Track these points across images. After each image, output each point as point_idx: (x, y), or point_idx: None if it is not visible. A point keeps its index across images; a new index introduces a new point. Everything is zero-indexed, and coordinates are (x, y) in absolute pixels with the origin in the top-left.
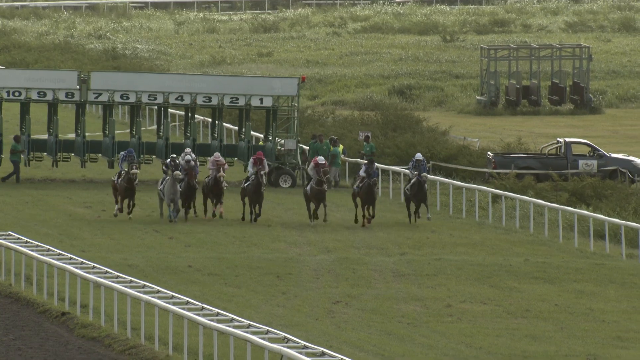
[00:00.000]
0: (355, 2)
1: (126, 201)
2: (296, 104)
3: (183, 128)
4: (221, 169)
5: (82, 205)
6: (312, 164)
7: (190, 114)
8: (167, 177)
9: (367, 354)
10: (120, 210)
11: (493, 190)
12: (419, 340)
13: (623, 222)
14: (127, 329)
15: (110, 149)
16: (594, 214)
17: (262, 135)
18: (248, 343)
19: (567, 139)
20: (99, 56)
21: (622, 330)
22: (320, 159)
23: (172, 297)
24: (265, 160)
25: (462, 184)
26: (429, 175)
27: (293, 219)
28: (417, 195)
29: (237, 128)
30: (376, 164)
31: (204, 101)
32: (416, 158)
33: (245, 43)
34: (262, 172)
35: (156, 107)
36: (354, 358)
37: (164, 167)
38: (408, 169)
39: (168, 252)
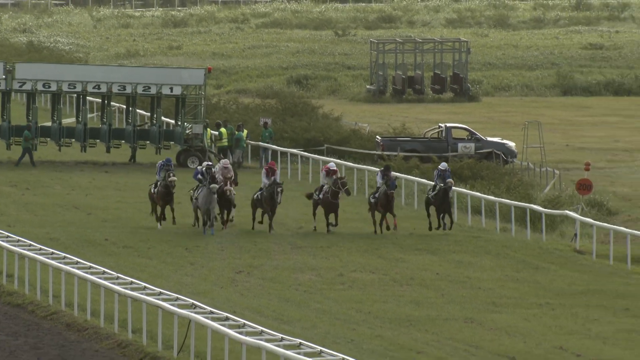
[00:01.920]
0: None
1: (163, 207)
2: (203, 93)
3: (100, 114)
4: (228, 183)
5: (7, 184)
6: (323, 171)
7: (106, 102)
8: (203, 187)
9: (267, 319)
10: (164, 217)
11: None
12: (314, 306)
13: (497, 199)
14: (49, 296)
15: (33, 132)
16: (472, 192)
17: (172, 121)
18: (159, 309)
19: (448, 124)
20: (23, 49)
21: (496, 296)
22: (332, 165)
23: (90, 267)
24: (277, 171)
25: (354, 164)
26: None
27: None
28: (442, 204)
29: (149, 114)
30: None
31: (119, 90)
32: (441, 168)
33: (157, 37)
34: (279, 189)
35: (75, 95)
36: (255, 322)
37: (199, 176)
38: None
39: (87, 227)
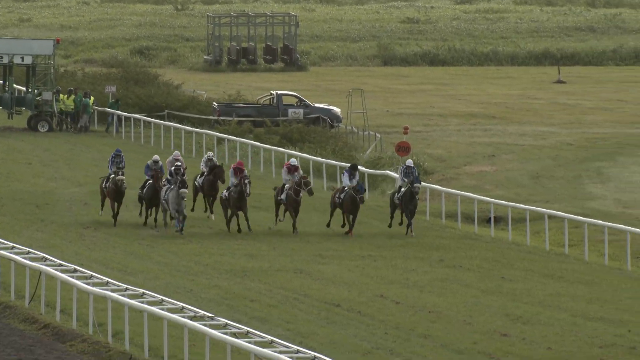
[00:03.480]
0: None
1: (112, 203)
2: (52, 62)
3: None
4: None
5: None
6: (285, 168)
7: None
8: (171, 186)
9: (112, 271)
10: (114, 215)
11: (218, 134)
12: (156, 258)
13: (324, 160)
14: None
15: None
16: (301, 153)
17: (23, 88)
18: (12, 262)
19: (279, 92)
20: None
21: (323, 249)
22: (293, 161)
23: None
24: (245, 171)
25: (192, 129)
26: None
27: (50, 158)
28: (408, 206)
29: (1, 82)
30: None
31: None
32: (407, 164)
33: (8, 10)
34: (246, 181)
35: None
36: (102, 274)
37: (168, 177)
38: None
39: None
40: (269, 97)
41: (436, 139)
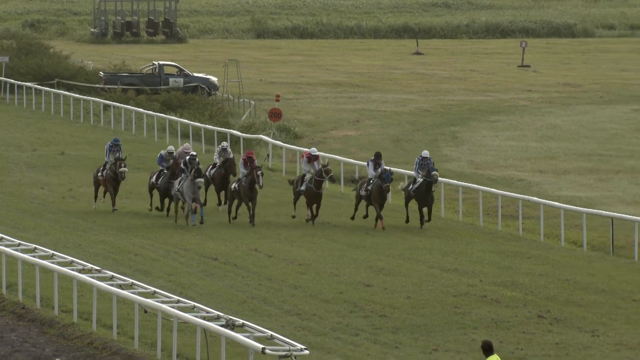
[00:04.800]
0: None
1: (110, 191)
2: None
3: None
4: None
5: None
6: (304, 157)
7: None
8: (185, 176)
9: (6, 227)
10: (95, 200)
11: (104, 101)
12: (47, 216)
13: (202, 125)
14: None
15: None
16: (181, 119)
17: None
18: None
19: (160, 62)
20: None
21: (204, 208)
22: (314, 151)
23: None
24: (256, 161)
25: (80, 96)
26: None
27: None
28: (426, 199)
29: None
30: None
31: None
32: (422, 155)
33: None
34: (259, 172)
35: None
36: None
37: (182, 166)
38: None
39: None
40: (151, 67)
41: (305, 105)
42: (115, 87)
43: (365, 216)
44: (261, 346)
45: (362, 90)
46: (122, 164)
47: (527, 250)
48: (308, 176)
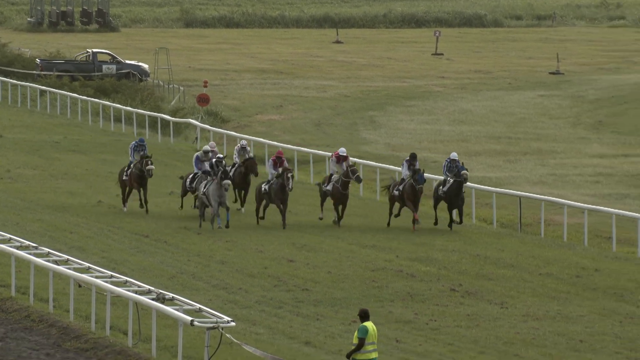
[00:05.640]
0: None
1: (138, 190)
2: None
3: None
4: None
5: None
6: (333, 158)
7: None
8: (212, 180)
9: None
10: (124, 201)
11: (40, 87)
12: None
13: (134, 109)
14: None
15: None
16: (114, 104)
17: None
18: None
19: (94, 50)
20: None
21: None
22: (342, 151)
23: None
24: (286, 162)
25: (17, 82)
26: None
27: None
28: (456, 200)
29: None
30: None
31: None
32: (451, 157)
33: None
34: (289, 174)
35: None
36: None
37: (207, 168)
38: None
39: None
40: (85, 54)
41: (232, 91)
42: (51, 73)
43: (397, 215)
44: (190, 318)
45: (285, 76)
46: (149, 162)
47: (441, 227)
48: (335, 176)
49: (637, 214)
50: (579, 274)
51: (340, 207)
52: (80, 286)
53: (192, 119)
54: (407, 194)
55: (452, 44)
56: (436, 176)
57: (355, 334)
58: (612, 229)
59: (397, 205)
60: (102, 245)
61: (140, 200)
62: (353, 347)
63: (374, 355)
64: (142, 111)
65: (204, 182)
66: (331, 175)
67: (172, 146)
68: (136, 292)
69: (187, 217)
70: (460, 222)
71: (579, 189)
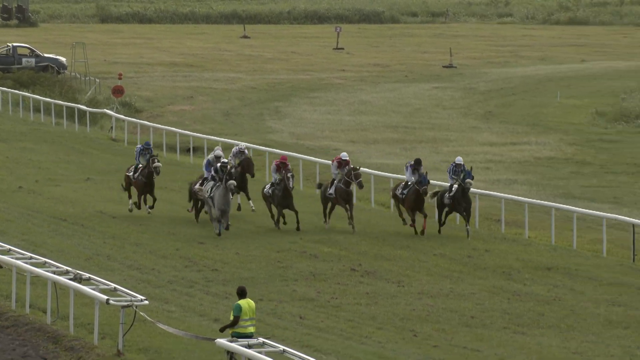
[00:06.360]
0: None
1: (144, 194)
2: None
3: None
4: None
5: None
6: (334, 162)
7: None
8: (217, 184)
9: None
10: (138, 206)
11: None
12: None
13: (53, 100)
14: None
15: None
16: (32, 95)
17: None
18: None
19: (14, 44)
20: None
21: (52, 174)
22: (344, 155)
23: None
24: (289, 166)
25: None
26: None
27: None
28: (462, 204)
29: None
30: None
31: None
32: (456, 162)
33: None
34: (289, 174)
35: None
36: None
37: (212, 173)
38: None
39: None
40: (5, 48)
41: (145, 83)
42: None
43: (404, 223)
44: (106, 297)
45: (195, 69)
46: (156, 159)
47: (342, 211)
48: (337, 180)
49: (524, 198)
50: (470, 254)
51: (348, 207)
52: (1, 267)
53: (107, 109)
54: (409, 200)
55: (352, 39)
56: (438, 182)
57: (232, 311)
58: (502, 212)
59: (402, 208)
60: (22, 228)
61: (142, 201)
62: (228, 323)
63: (252, 329)
64: (60, 102)
65: (210, 185)
66: (333, 180)
67: (88, 135)
68: (54, 273)
69: (103, 201)
70: (467, 222)
71: None
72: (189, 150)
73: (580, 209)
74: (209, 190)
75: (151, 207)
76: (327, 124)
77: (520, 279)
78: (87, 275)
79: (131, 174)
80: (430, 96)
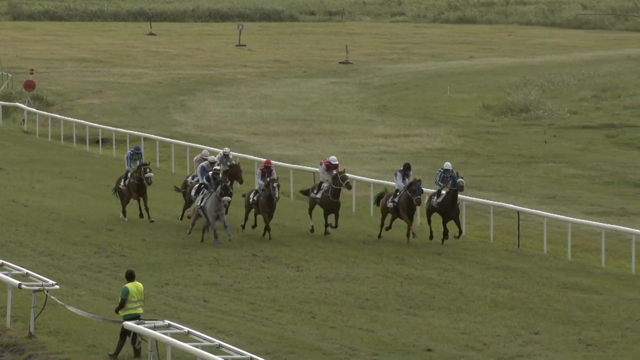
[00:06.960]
0: None
1: (137, 200)
2: None
3: None
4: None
5: None
6: (323, 165)
7: None
8: (209, 193)
9: None
10: (125, 212)
11: None
12: None
13: None
14: None
15: None
16: None
17: None
18: None
19: None
20: None
21: None
22: (333, 159)
23: None
24: (274, 172)
25: None
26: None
27: None
28: (449, 211)
29: None
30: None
31: None
32: (445, 167)
33: None
34: (275, 184)
35: None
36: None
37: (204, 181)
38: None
39: None
40: None
41: (55, 78)
42: None
43: (388, 228)
44: (18, 282)
45: (104, 65)
46: (147, 169)
47: (241, 199)
48: (325, 185)
49: None
50: (365, 240)
51: (332, 216)
52: None
53: (19, 103)
54: (403, 206)
55: (253, 37)
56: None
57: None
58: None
59: (389, 217)
60: None
61: (140, 210)
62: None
63: (140, 310)
64: None
65: (202, 195)
66: (321, 183)
67: (1, 127)
68: None
69: (15, 191)
70: (460, 232)
71: (365, 165)
72: (97, 141)
73: (468, 197)
74: (200, 200)
75: (141, 216)
76: (229, 116)
77: (413, 264)
78: (0, 261)
79: (122, 182)
80: (327, 91)
